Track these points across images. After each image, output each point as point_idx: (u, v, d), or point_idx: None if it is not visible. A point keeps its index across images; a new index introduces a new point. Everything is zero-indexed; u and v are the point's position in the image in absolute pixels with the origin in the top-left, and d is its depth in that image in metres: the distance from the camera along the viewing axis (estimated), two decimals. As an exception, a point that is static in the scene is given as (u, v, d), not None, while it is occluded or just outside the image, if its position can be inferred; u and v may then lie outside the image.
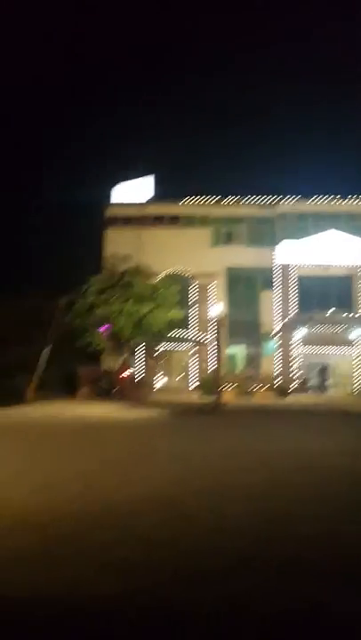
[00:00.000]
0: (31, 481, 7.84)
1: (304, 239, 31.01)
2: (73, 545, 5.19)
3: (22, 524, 5.79)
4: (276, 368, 30.71)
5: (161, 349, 31.24)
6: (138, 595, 4.07)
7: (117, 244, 30.99)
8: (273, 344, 31.30)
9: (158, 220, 33.36)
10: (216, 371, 23.28)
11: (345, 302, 31.26)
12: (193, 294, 32.66)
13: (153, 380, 30.90)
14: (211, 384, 24.22)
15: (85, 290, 26.83)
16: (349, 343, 31.05)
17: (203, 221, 33.03)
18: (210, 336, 30.69)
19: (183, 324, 30.66)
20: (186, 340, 31.80)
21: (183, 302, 30.31)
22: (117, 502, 6.77)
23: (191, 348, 32.20)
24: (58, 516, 6.09)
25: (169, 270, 31.45)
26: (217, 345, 23.08)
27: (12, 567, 4.57)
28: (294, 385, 29.55)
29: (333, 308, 30.79)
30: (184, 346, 32.10)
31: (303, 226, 31.73)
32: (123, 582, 4.28)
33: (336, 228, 30.82)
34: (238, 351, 32.79)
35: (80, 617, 3.76)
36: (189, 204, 33.42)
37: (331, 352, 31.52)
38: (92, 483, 7.84)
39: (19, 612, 3.81)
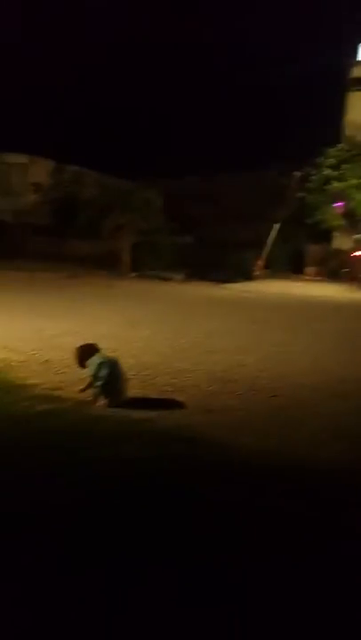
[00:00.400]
0: (262, 352, 8.16)
1: None
2: (304, 410, 5.36)
3: (256, 387, 6.12)
4: None
5: None
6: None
7: (361, 109, 28.12)
8: None
9: None
10: None
11: None
12: None
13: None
14: None
15: (321, 163, 25.34)
16: None
17: None
18: None
19: None
20: None
21: None
22: (345, 378, 6.74)
23: None
24: (289, 384, 6.31)
25: None
26: None
27: (248, 427, 4.86)
28: None
29: None
30: None
31: None
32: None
33: None
34: None
35: (312, 477, 3.88)
36: None
37: None
38: (320, 357, 7.90)
39: (254, 467, 4.06)
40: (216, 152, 31.94)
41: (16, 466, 3.79)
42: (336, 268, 25.04)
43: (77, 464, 3.85)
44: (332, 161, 24.97)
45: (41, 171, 28.47)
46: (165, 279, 20.21)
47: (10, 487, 3.50)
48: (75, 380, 5.68)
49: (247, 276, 22.61)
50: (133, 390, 5.49)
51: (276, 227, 25.45)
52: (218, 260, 21.90)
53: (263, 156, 27.52)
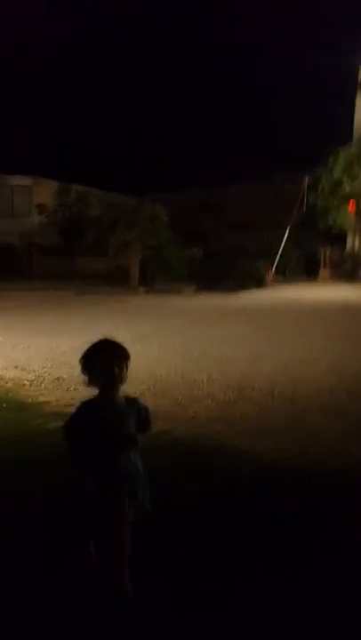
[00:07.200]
0: (277, 358, 7.97)
1: None
2: (325, 414, 5.19)
3: (273, 393, 5.94)
4: None
5: None
6: None
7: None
8: None
9: None
10: None
11: None
12: None
13: None
14: None
15: (332, 164, 25.04)
16: None
17: None
18: None
19: None
20: None
21: None
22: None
23: None
24: (307, 388, 6.12)
25: None
26: None
27: (268, 434, 4.70)
28: None
29: None
30: None
31: None
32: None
33: None
34: None
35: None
36: None
37: None
38: (337, 359, 7.71)
39: (271, 471, 3.94)
40: (220, 163, 31.90)
41: (37, 479, 3.69)
42: (351, 270, 24.75)
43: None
44: (343, 162, 24.66)
45: (45, 192, 28.54)
46: (176, 292, 20.05)
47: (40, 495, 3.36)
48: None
49: (259, 283, 22.40)
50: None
51: (287, 233, 25.19)
52: (229, 270, 21.71)
53: (269, 163, 27.36)
